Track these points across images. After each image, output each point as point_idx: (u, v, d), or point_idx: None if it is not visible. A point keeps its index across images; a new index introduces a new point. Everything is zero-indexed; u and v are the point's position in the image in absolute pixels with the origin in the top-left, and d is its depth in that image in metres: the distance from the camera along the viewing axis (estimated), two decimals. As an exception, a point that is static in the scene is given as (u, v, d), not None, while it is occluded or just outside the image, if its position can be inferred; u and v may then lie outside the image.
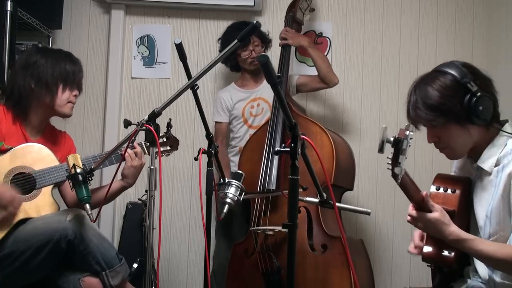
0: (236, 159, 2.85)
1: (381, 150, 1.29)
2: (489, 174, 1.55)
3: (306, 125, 2.53)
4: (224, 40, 2.90)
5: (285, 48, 2.80)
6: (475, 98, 1.49)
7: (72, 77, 2.10)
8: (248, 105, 2.92)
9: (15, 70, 2.12)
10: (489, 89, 1.56)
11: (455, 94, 1.51)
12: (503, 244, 1.50)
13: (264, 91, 2.89)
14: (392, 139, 1.29)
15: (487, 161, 1.56)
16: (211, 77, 3.27)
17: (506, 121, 1.61)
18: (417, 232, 1.76)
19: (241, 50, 2.83)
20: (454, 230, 1.47)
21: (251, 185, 2.49)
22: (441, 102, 1.51)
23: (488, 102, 1.52)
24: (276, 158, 2.51)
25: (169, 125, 2.08)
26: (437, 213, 1.46)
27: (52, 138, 2.19)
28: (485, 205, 1.56)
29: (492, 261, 1.47)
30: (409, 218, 1.53)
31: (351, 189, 2.63)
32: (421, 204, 1.47)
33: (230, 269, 2.56)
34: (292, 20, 2.89)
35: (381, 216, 3.19)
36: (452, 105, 1.51)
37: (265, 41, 2.94)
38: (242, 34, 1.48)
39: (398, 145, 1.28)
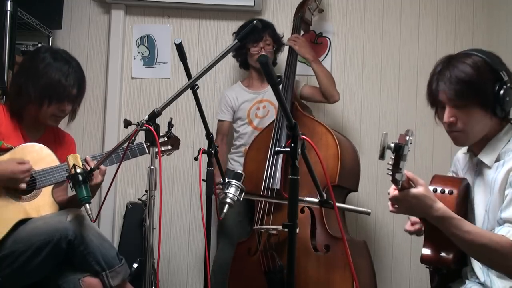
0: (241, 160, 2.85)
1: (382, 156, 1.27)
2: (489, 168, 1.55)
3: (312, 125, 2.53)
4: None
5: (292, 51, 2.80)
6: (505, 88, 1.48)
7: (62, 92, 2.01)
8: (254, 106, 2.92)
9: (16, 69, 2.12)
10: None
11: (487, 76, 1.50)
12: (488, 231, 1.48)
13: (271, 93, 2.88)
14: (392, 145, 1.28)
15: (488, 156, 1.56)
16: (211, 77, 3.27)
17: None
18: None
19: (252, 45, 2.84)
20: (441, 206, 1.42)
21: (255, 184, 2.49)
22: (475, 80, 1.49)
23: None
24: (280, 157, 2.50)
25: (170, 125, 2.07)
26: (422, 188, 1.41)
27: (54, 138, 2.18)
28: (485, 200, 1.56)
29: (474, 245, 1.42)
30: (390, 207, 1.47)
31: (356, 190, 2.62)
32: (407, 186, 1.42)
33: (232, 267, 2.56)
34: (301, 21, 2.90)
35: (381, 216, 3.19)
36: (484, 87, 1.49)
37: (277, 42, 2.94)
38: (242, 34, 1.49)
39: (399, 151, 1.28)
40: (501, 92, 1.48)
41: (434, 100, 1.59)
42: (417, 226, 1.75)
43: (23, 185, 1.89)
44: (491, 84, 1.49)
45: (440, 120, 1.60)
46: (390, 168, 1.31)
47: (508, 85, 1.49)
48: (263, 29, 2.85)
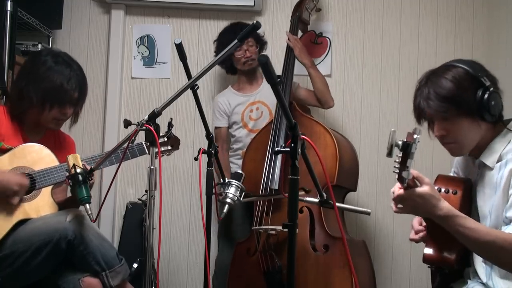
0: (239, 162, 2.85)
1: (389, 154, 1.28)
2: (491, 169, 1.55)
3: (310, 125, 2.53)
4: (220, 41, 2.89)
5: (289, 52, 2.80)
6: (488, 93, 1.49)
7: (64, 96, 2.01)
8: (247, 109, 2.91)
9: (17, 73, 2.11)
10: (497, 87, 1.56)
11: (468, 86, 1.50)
12: (494, 229, 1.49)
13: (263, 94, 2.89)
14: (400, 143, 1.28)
15: (490, 157, 1.56)
16: (211, 77, 3.27)
17: (511, 119, 1.60)
18: (415, 219, 1.75)
19: (235, 50, 2.81)
20: (445, 205, 1.42)
21: (254, 185, 2.49)
22: (455, 94, 1.50)
23: (498, 98, 1.52)
24: (279, 158, 2.50)
25: (170, 125, 2.07)
26: (427, 187, 1.41)
27: (54, 140, 2.18)
28: (488, 201, 1.55)
29: (480, 243, 1.41)
30: (394, 207, 1.46)
31: (354, 190, 2.62)
32: (412, 184, 1.42)
33: (232, 268, 2.56)
34: (298, 20, 2.89)
35: (381, 216, 3.19)
36: (466, 97, 1.50)
37: (260, 42, 2.93)
38: (242, 34, 1.48)
39: (407, 150, 1.28)
40: (485, 97, 1.48)
41: (419, 115, 1.60)
42: (421, 234, 1.74)
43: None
44: (473, 92, 1.50)
45: (434, 134, 1.62)
46: (396, 166, 1.31)
47: (491, 89, 1.49)
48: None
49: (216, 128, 2.99)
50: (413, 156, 1.29)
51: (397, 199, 1.45)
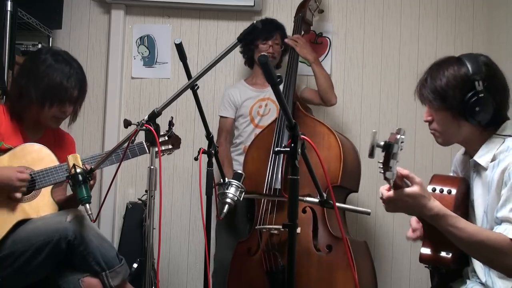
0: (240, 158, 2.85)
1: (371, 154, 1.28)
2: (485, 169, 1.55)
3: (314, 126, 2.53)
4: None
5: (293, 51, 2.80)
6: (475, 98, 1.51)
7: (63, 94, 2.01)
8: (257, 104, 2.92)
9: (17, 71, 2.11)
10: (498, 95, 1.56)
11: (461, 86, 1.54)
12: (486, 229, 1.49)
13: None
14: (382, 143, 1.28)
15: (483, 157, 1.56)
16: (211, 77, 3.27)
17: (507, 118, 1.60)
18: (413, 217, 1.76)
19: (261, 42, 2.86)
20: (435, 205, 1.42)
21: (256, 184, 2.49)
22: (444, 89, 1.55)
23: (488, 105, 1.52)
24: (282, 157, 2.50)
25: (171, 123, 2.06)
26: (417, 187, 1.41)
27: (53, 139, 2.18)
28: (483, 201, 1.56)
29: (471, 242, 1.41)
30: (385, 206, 1.46)
31: (356, 190, 2.63)
32: (400, 184, 1.41)
33: (232, 267, 2.56)
34: (302, 21, 2.90)
35: (381, 216, 3.19)
36: (453, 96, 1.54)
37: (285, 44, 2.94)
38: (242, 34, 1.50)
39: (389, 150, 1.27)
40: (471, 101, 1.51)
41: (419, 98, 1.67)
42: (418, 233, 1.74)
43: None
44: (461, 93, 1.53)
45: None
46: (380, 166, 1.31)
47: (481, 95, 1.51)
48: (275, 28, 2.90)
49: (221, 117, 2.98)
50: (397, 156, 1.28)
51: (386, 201, 1.45)
